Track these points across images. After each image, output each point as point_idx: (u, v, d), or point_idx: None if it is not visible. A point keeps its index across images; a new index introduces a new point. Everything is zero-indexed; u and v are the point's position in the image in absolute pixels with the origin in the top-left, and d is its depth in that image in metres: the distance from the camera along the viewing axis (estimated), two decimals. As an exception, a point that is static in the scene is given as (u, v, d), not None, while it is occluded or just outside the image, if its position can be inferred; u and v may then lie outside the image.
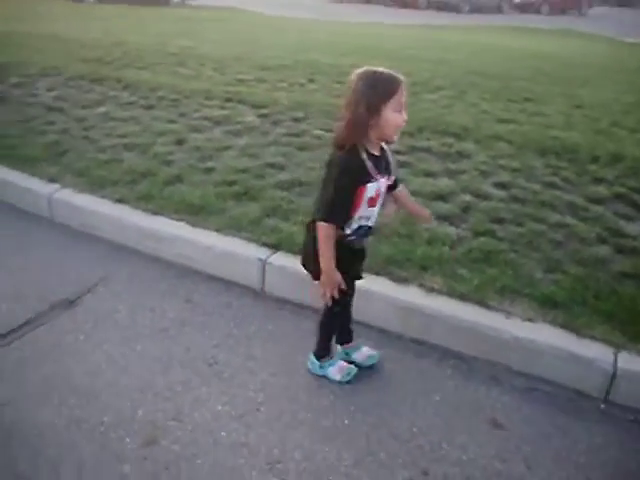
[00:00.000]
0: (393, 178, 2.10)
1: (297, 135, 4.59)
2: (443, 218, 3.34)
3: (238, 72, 6.92)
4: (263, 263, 2.91)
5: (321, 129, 4.75)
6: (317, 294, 2.11)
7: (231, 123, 4.85)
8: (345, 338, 2.46)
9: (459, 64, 8.55)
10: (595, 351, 2.37)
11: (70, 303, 2.78)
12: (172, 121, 4.90)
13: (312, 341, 2.39)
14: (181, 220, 3.23)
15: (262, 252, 2.96)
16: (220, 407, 2.18)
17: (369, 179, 1.94)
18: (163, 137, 4.46)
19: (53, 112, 5.22)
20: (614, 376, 2.29)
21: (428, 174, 3.96)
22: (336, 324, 2.39)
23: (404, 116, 1.89)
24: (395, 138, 1.94)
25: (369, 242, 2.27)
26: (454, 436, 2.10)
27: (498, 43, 12.52)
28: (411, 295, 2.66)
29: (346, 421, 2.14)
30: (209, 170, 3.84)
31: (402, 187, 2.25)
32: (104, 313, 2.69)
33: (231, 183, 3.63)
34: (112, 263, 3.12)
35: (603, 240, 3.18)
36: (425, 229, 3.14)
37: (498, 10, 26.91)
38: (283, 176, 3.79)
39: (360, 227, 2.06)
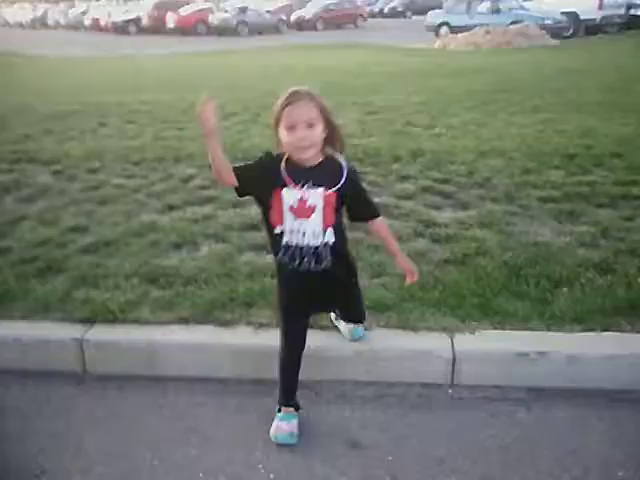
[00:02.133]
0: (333, 193, 1.97)
1: (95, 188, 4.25)
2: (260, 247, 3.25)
3: (22, 126, 6.26)
4: (79, 342, 2.57)
5: (120, 176, 4.47)
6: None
7: (22, 187, 4.34)
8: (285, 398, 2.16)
9: (251, 87, 8.72)
10: (432, 341, 2.46)
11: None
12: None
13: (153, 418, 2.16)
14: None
15: (77, 330, 2.62)
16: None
17: (282, 184, 1.94)
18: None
19: None
20: (454, 361, 2.41)
21: (235, 204, 3.84)
22: (281, 370, 2.17)
23: (297, 134, 1.86)
24: (299, 156, 1.92)
25: (338, 270, 2.10)
26: (315, 468, 2.01)
27: (285, 62, 13.05)
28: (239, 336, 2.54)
29: None
30: (4, 251, 3.33)
31: (380, 220, 2.18)
32: None
33: (32, 259, 3.18)
34: None
35: (419, 234, 3.37)
36: (244, 263, 3.05)
37: (276, 30, 28.18)
38: (87, 239, 3.44)
39: (290, 246, 2.00)
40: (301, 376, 2.43)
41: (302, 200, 1.94)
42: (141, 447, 2.12)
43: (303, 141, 1.87)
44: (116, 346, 2.57)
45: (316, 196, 1.95)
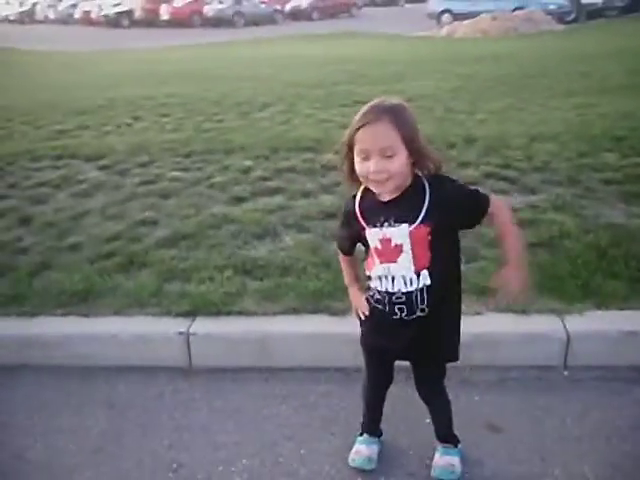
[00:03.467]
0: (419, 227, 1.57)
1: (153, 182, 4.19)
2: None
3: (55, 122, 6.16)
4: (185, 336, 2.54)
5: (174, 169, 4.41)
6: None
7: (73, 183, 4.27)
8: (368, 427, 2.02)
9: (274, 78, 8.64)
10: (545, 324, 2.47)
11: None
12: (1, 196, 4.15)
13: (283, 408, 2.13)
14: (68, 314, 2.69)
15: (179, 324, 2.59)
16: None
17: (361, 226, 1.65)
18: (0, 219, 3.74)
19: None
20: (568, 342, 2.41)
21: (306, 194, 3.85)
22: (366, 404, 2.01)
23: (371, 165, 1.51)
24: (376, 190, 1.57)
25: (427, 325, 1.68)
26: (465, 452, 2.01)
27: (294, 53, 12.94)
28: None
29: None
30: (75, 246, 3.28)
31: (501, 205, 1.67)
32: (11, 453, 2.12)
33: (108, 255, 3.14)
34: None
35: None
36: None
37: (272, 21, 27.96)
38: (161, 232, 3.40)
39: (379, 292, 1.68)
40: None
41: (385, 240, 1.60)
42: (281, 438, 2.11)
43: (378, 175, 1.52)
44: (225, 338, 2.55)
45: (400, 234, 1.58)
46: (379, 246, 1.63)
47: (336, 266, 2.87)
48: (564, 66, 8.45)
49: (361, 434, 2.02)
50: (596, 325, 2.48)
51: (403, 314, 1.65)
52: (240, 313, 2.60)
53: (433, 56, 11.21)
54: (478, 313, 2.52)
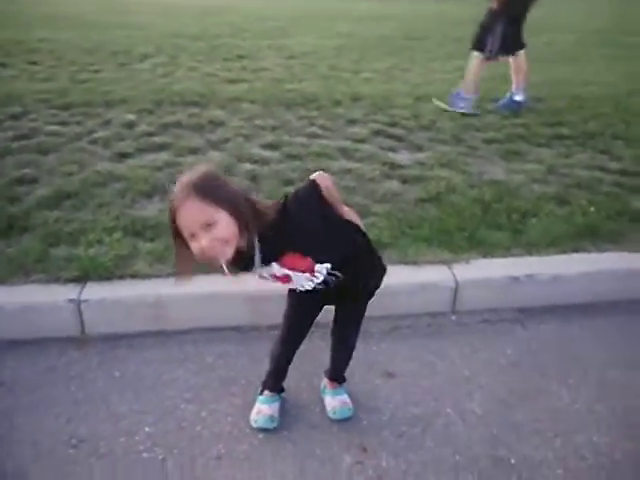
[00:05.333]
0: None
1: (29, 137, 3.82)
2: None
3: None
4: (76, 303, 2.39)
5: (51, 123, 4.05)
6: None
7: None
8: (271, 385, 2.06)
9: (151, 27, 8.11)
10: (435, 273, 2.63)
11: None
12: None
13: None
14: (-62, 285, 2.41)
15: (69, 291, 2.43)
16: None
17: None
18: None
19: None
20: (457, 289, 2.59)
21: (193, 151, 3.72)
22: (274, 360, 2.03)
23: (199, 243, 1.45)
24: (219, 261, 1.51)
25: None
26: (359, 399, 2.11)
27: (168, 0, 12.13)
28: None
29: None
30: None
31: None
32: None
33: (-17, 218, 2.84)
34: None
35: (387, 175, 3.48)
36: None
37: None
38: (42, 191, 3.13)
39: (300, 291, 1.77)
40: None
41: (271, 276, 1.67)
42: (182, 402, 2.08)
43: (213, 249, 1.46)
44: (118, 303, 2.42)
45: (275, 269, 1.63)
46: (270, 279, 1.69)
47: None
48: (443, 29, 8.76)
49: (261, 392, 2.05)
50: (482, 273, 2.68)
51: (326, 287, 1.73)
52: (132, 276, 2.49)
53: (313, 13, 11.11)
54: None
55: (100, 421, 2.00)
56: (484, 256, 2.77)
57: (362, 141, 4.00)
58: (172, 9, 10.37)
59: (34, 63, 5.61)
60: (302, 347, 2.00)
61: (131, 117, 4.15)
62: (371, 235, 2.73)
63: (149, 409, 2.04)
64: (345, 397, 2.07)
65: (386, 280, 2.54)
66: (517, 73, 4.98)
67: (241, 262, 1.59)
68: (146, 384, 2.17)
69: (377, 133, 4.15)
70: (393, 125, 4.33)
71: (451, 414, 2.06)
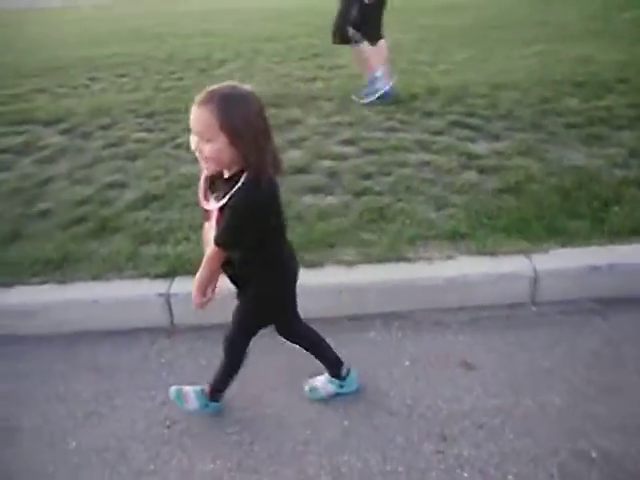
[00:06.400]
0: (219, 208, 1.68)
1: (117, 145, 4.09)
2: (315, 190, 3.29)
3: (4, 86, 5.89)
4: (165, 297, 2.56)
5: (138, 131, 4.31)
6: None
7: (35, 149, 4.14)
8: None
9: (228, 34, 8.38)
10: (514, 264, 2.57)
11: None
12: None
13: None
14: (45, 282, 2.66)
15: (158, 285, 2.60)
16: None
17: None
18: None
19: None
20: (536, 280, 2.53)
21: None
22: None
23: (193, 142, 1.58)
24: (201, 164, 1.63)
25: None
26: (437, 388, 2.12)
27: (245, 6, 12.40)
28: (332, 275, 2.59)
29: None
30: (45, 213, 3.23)
31: (213, 248, 1.73)
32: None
33: (80, 220, 3.10)
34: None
35: (465, 166, 3.43)
36: (308, 206, 3.08)
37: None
38: (131, 195, 3.36)
39: None
40: (395, 307, 2.54)
41: (207, 211, 1.76)
42: (268, 389, 2.19)
43: (199, 154, 1.59)
44: (204, 296, 2.57)
45: (214, 208, 1.70)
46: (206, 213, 1.78)
47: (311, 219, 2.94)
48: (524, 15, 8.44)
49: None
50: (561, 262, 2.60)
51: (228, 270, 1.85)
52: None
53: (395, 6, 10.98)
54: (450, 257, 2.61)
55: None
56: (563, 246, 2.68)
57: (439, 133, 3.96)
58: (249, 15, 10.64)
59: (121, 75, 5.99)
60: (378, 337, 2.03)
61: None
62: (448, 226, 2.78)
63: (236, 395, 2.15)
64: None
65: (463, 271, 2.57)
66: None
67: (216, 181, 1.69)
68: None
69: (454, 124, 4.09)
70: (470, 115, 4.25)
71: (531, 406, 2.02)
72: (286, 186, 3.28)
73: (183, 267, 2.64)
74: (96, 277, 2.68)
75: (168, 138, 4.12)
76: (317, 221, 2.94)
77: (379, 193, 3.18)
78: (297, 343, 2.09)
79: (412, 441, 1.91)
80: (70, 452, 1.98)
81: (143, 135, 4.20)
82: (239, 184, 1.59)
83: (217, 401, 2.09)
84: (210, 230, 1.76)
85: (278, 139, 3.85)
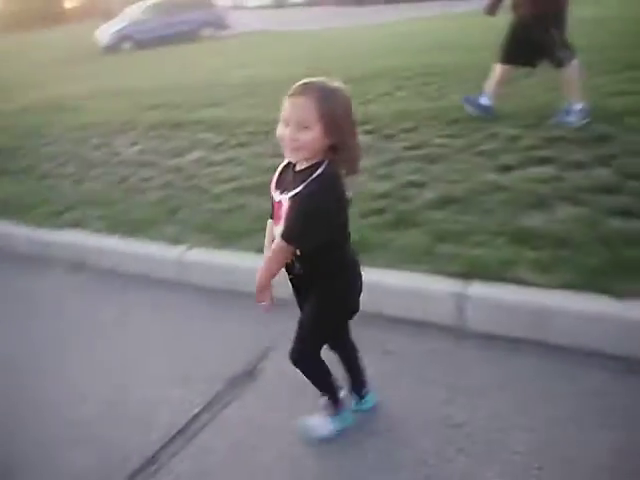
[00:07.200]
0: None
1: (418, 147, 4.20)
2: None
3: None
4: (458, 297, 2.50)
5: (440, 136, 4.37)
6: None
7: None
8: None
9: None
10: None
11: (249, 375, 2.44)
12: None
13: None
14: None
15: (453, 284, 2.56)
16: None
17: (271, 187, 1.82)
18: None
19: (145, 167, 5.02)
20: None
21: (578, 165, 3.46)
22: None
23: (288, 132, 1.63)
24: (286, 154, 1.70)
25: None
26: None
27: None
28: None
29: None
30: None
31: (277, 243, 1.74)
32: (297, 380, 2.32)
33: (379, 211, 3.26)
34: (273, 322, 2.75)
35: None
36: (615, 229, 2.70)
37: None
38: (429, 194, 3.40)
39: None
40: None
41: (279, 204, 1.74)
42: (565, 420, 1.96)
43: (291, 142, 1.63)
44: (499, 305, 2.45)
45: (285, 201, 1.71)
46: (274, 207, 1.78)
47: (616, 244, 2.57)
48: None
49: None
50: None
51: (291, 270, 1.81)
52: (514, 281, 2.47)
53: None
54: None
55: (478, 410, 2.03)
56: None
57: None
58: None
59: (425, 84, 6.17)
60: None
61: (514, 132, 4.16)
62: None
63: (522, 413, 1.99)
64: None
65: None
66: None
67: (291, 175, 1.72)
68: (529, 392, 2.11)
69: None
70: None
71: None
72: (590, 206, 2.97)
73: (478, 271, 2.56)
74: (390, 265, 2.76)
75: (469, 145, 4.08)
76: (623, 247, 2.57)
77: None
78: (343, 356, 2.05)
79: None
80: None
81: (444, 141, 4.24)
82: (317, 173, 1.63)
83: (339, 414, 2.03)
84: (275, 227, 1.77)
85: (584, 154, 3.56)
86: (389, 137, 4.55)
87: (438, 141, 4.25)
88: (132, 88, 9.18)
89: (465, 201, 3.23)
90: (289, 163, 1.77)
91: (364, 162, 3.92)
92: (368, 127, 4.85)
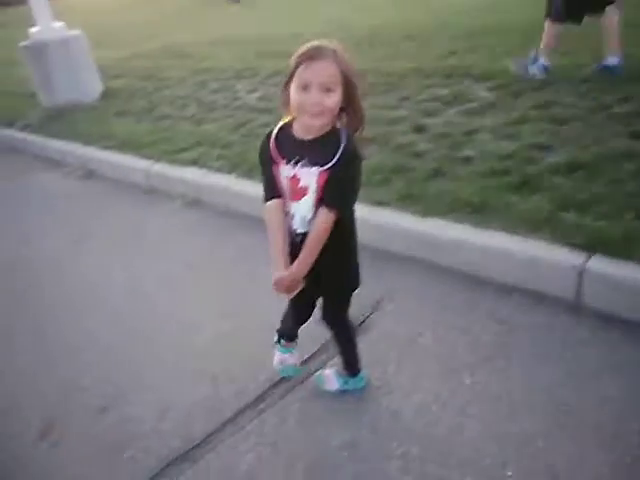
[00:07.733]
0: (325, 172, 1.63)
1: (546, 107, 3.96)
2: None
3: (445, 43, 6.34)
4: (578, 270, 2.39)
5: (569, 96, 4.07)
6: None
7: (464, 101, 4.37)
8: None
9: None
10: None
11: (358, 327, 2.51)
12: (395, 107, 4.53)
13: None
14: (459, 222, 2.81)
15: (573, 257, 2.44)
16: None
17: (272, 161, 1.70)
18: (397, 125, 4.10)
19: (264, 114, 5.10)
20: None
21: None
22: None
23: (310, 96, 1.55)
24: (307, 122, 1.61)
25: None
26: None
27: None
28: None
29: None
30: (468, 160, 3.39)
31: (325, 213, 1.65)
32: (405, 337, 2.38)
33: (502, 173, 3.14)
34: (386, 274, 2.80)
35: None
36: None
37: None
38: (555, 158, 3.22)
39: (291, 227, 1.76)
40: None
41: (294, 179, 1.67)
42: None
43: (315, 106, 1.56)
44: (621, 284, 2.29)
45: (310, 176, 1.64)
46: (287, 184, 1.69)
47: None
48: None
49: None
50: None
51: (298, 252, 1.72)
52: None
53: None
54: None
55: (587, 393, 1.97)
56: None
57: None
58: None
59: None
60: None
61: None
62: None
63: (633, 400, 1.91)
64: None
65: None
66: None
67: (298, 146, 1.65)
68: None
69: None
70: None
71: None
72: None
73: (601, 245, 2.41)
74: (510, 230, 2.68)
75: (600, 106, 3.78)
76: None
77: None
78: (338, 332, 2.06)
79: None
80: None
81: (574, 100, 3.95)
82: (345, 138, 1.61)
83: (355, 375, 2.11)
84: (283, 208, 1.73)
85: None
86: (517, 94, 4.31)
87: (567, 100, 3.96)
88: (253, 36, 9.26)
89: (593, 168, 3.02)
90: (282, 134, 1.71)
91: (486, 121, 3.86)
92: (492, 83, 4.63)
